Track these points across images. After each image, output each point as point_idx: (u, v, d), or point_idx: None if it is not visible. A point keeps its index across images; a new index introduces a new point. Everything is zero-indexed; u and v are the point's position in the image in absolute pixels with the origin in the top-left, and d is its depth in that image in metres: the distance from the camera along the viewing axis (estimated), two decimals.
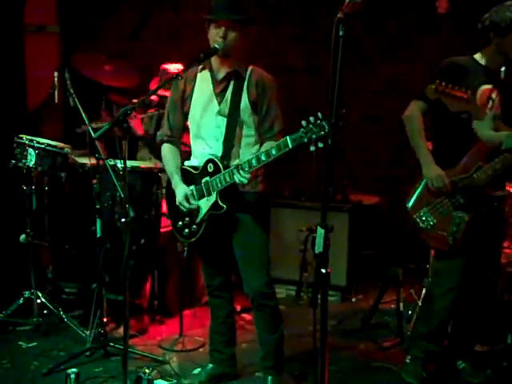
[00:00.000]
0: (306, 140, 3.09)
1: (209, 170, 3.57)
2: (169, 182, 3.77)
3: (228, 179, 3.46)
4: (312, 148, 3.03)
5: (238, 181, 3.40)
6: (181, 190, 3.63)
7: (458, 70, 3.67)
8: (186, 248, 3.77)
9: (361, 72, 6.07)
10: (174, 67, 5.00)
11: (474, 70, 3.68)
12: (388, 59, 6.30)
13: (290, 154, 3.28)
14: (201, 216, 3.62)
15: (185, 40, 6.25)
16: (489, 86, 3.64)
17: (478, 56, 3.75)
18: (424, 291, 4.39)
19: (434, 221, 3.68)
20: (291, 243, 5.47)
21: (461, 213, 3.63)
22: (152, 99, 4.70)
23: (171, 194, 3.73)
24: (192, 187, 3.62)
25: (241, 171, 3.37)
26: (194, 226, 3.66)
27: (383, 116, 6.34)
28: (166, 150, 3.79)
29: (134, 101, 4.59)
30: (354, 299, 5.57)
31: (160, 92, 4.82)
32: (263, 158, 3.32)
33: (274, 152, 3.28)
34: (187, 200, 3.60)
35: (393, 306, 4.89)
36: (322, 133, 3.04)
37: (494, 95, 3.62)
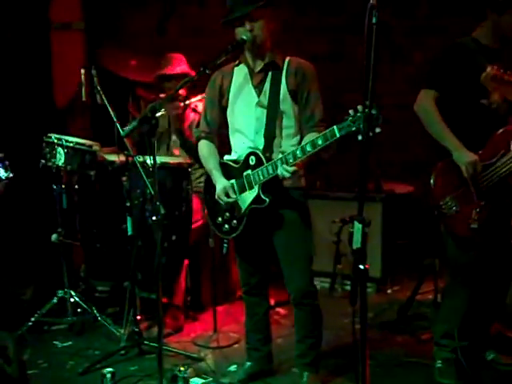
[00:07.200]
0: (354, 129, 2.98)
1: (250, 162, 3.50)
2: (208, 178, 3.72)
3: (271, 171, 3.39)
4: (360, 137, 2.93)
5: (280, 173, 3.33)
6: (220, 184, 3.57)
7: (465, 53, 3.51)
8: (225, 245, 3.68)
9: (392, 59, 5.95)
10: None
11: (477, 51, 3.50)
12: (419, 46, 6.15)
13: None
14: (242, 210, 3.55)
15: (210, 34, 6.18)
16: (491, 67, 3.39)
17: (476, 34, 3.57)
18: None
19: (458, 207, 3.55)
20: (324, 235, 5.41)
21: (483, 201, 3.50)
22: (180, 93, 4.63)
23: (210, 190, 3.68)
24: (233, 181, 3.57)
25: (284, 164, 3.30)
26: (235, 221, 3.59)
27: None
28: (204, 146, 3.72)
29: (162, 95, 4.57)
30: (389, 290, 5.48)
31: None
32: (308, 148, 3.24)
33: (319, 142, 3.20)
34: (226, 194, 3.54)
35: (430, 297, 4.81)
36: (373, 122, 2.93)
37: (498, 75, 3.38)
